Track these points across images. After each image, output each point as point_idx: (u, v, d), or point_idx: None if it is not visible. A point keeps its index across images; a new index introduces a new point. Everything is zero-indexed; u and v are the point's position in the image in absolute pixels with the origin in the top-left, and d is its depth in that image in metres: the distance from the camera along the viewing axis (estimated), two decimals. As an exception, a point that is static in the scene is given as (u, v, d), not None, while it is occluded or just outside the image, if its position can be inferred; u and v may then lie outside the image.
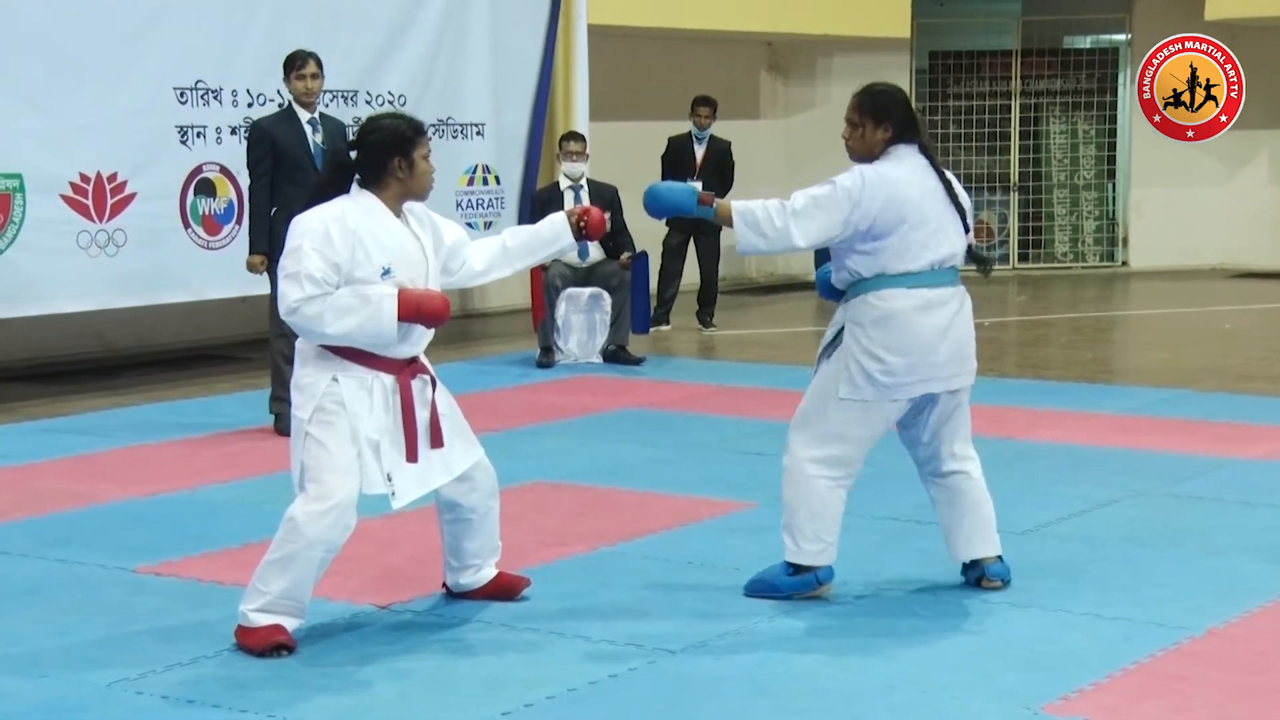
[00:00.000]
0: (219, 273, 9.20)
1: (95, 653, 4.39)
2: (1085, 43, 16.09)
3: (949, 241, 4.71)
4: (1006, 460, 6.92)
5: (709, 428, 7.60)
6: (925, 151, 4.75)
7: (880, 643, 4.47)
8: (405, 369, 4.45)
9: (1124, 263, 15.63)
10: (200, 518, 5.96)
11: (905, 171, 4.69)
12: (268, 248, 7.36)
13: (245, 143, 7.70)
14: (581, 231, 4.73)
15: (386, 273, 4.34)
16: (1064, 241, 15.80)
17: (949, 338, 4.71)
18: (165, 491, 6.39)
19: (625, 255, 9.91)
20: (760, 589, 4.84)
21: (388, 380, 4.41)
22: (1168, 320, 12.24)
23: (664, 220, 10.52)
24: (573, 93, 11.20)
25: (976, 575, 4.90)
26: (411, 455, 4.42)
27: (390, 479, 4.42)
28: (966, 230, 4.76)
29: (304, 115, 7.49)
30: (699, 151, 11.30)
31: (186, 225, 9.02)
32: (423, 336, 4.50)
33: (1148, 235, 15.48)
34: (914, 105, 4.77)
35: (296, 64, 7.49)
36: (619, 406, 8.34)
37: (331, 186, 4.47)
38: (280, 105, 9.37)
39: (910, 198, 4.65)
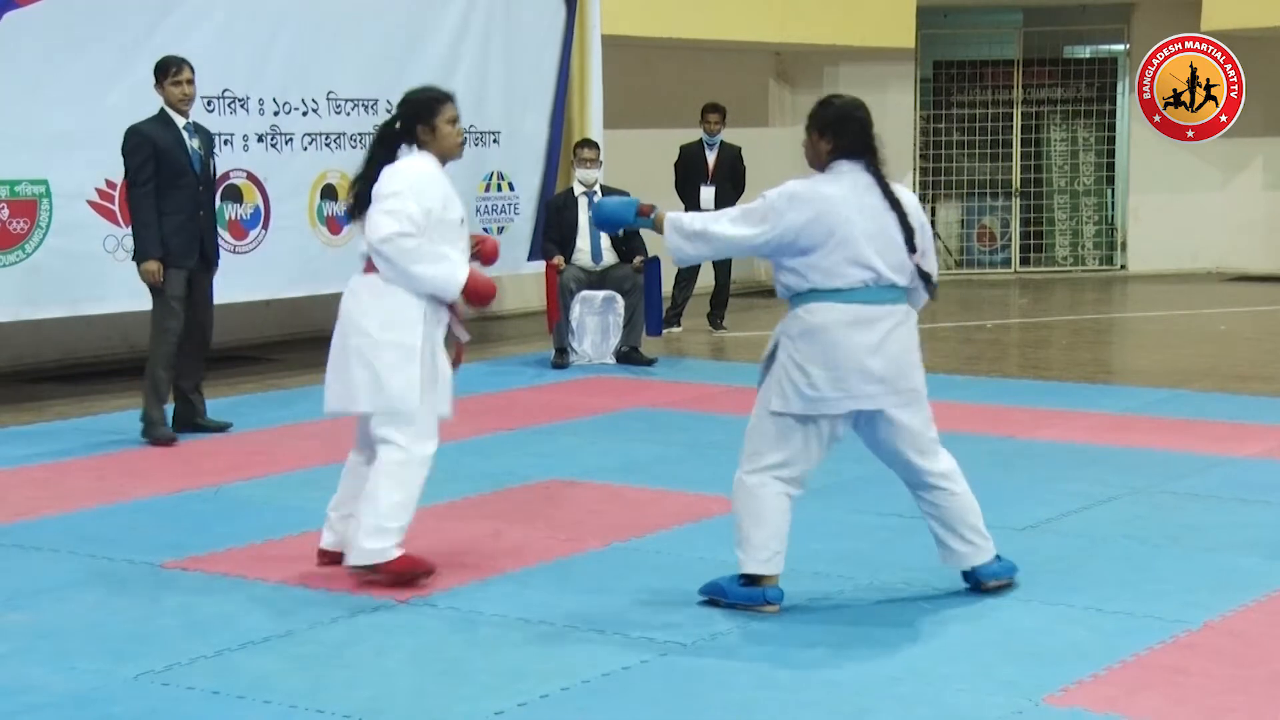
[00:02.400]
0: (245, 276, 9.21)
1: (123, 645, 4.39)
2: (1085, 52, 16.06)
3: (887, 260, 4.57)
4: (1008, 458, 6.91)
5: (719, 427, 7.58)
6: (873, 168, 4.62)
7: (886, 636, 4.46)
8: (453, 310, 4.95)
9: (1122, 266, 15.59)
10: (225, 514, 5.96)
11: (841, 188, 4.57)
12: (161, 253, 7.21)
13: (124, 148, 7.29)
14: (475, 255, 5.08)
15: (463, 220, 4.92)
16: (1064, 246, 15.77)
17: (881, 355, 4.54)
18: (191, 488, 6.39)
19: (638, 259, 9.91)
20: (711, 591, 4.72)
21: (445, 318, 4.93)
22: (1165, 322, 12.20)
23: None
24: (587, 101, 11.20)
25: (974, 582, 4.84)
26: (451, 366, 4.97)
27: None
28: (913, 250, 4.60)
29: (180, 121, 7.28)
30: (710, 157, 11.29)
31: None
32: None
33: (1146, 240, 15.45)
34: (869, 122, 4.64)
35: (172, 70, 7.27)
36: (632, 406, 8.34)
37: (378, 157, 4.95)
38: (304, 113, 9.43)
39: (840, 214, 4.52)
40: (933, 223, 15.64)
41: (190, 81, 7.32)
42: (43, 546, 5.48)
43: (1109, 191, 15.74)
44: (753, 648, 4.36)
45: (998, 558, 4.86)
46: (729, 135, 11.48)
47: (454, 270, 4.82)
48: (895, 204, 4.60)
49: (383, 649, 4.35)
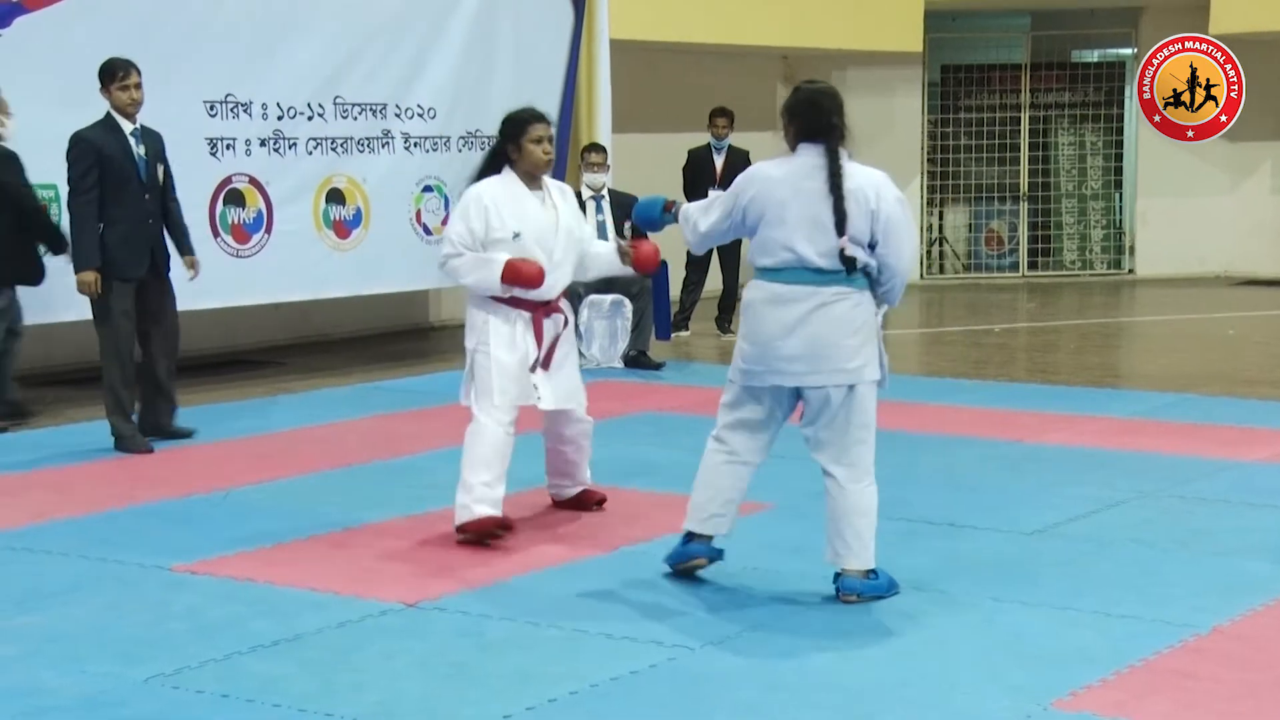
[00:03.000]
0: (249, 280, 9.23)
1: (133, 648, 4.40)
2: (1093, 57, 16.05)
3: (816, 243, 4.66)
4: (1017, 462, 6.91)
5: (727, 431, 7.57)
6: (831, 151, 4.70)
7: (894, 640, 4.46)
8: (540, 309, 5.51)
9: (1130, 270, 15.58)
10: (235, 518, 5.97)
11: (786, 170, 4.74)
12: (100, 263, 7.02)
13: (67, 155, 7.10)
14: (626, 259, 5.68)
15: (517, 235, 5.45)
16: (1072, 250, 15.75)
17: (797, 335, 4.67)
18: (200, 492, 6.40)
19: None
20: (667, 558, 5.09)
21: (526, 316, 5.49)
22: (1173, 326, 12.19)
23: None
24: (595, 105, 11.20)
25: (836, 586, 4.79)
26: (545, 368, 5.53)
27: (537, 388, 5.52)
28: (841, 233, 4.65)
29: (127, 127, 7.10)
30: (718, 161, 11.29)
31: (216, 234, 9.05)
32: (554, 287, 5.52)
33: (1153, 244, 15.43)
34: (840, 109, 4.74)
35: (119, 74, 7.05)
36: (640, 410, 8.34)
37: (487, 170, 5.60)
38: (309, 118, 9.45)
39: (775, 196, 4.71)
40: (940, 226, 15.81)
41: (138, 86, 7.11)
42: (52, 550, 5.49)
43: (1117, 195, 15.73)
44: (760, 651, 4.37)
45: (872, 574, 4.77)
46: (736, 139, 11.49)
47: (491, 270, 5.41)
48: (835, 187, 4.64)
49: (391, 653, 4.36)
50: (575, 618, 4.65)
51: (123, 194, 7.08)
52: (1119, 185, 15.67)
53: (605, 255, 5.72)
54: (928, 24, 14.59)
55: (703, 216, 4.94)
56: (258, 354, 10.54)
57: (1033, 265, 15.63)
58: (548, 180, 5.63)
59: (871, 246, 4.71)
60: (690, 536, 5.00)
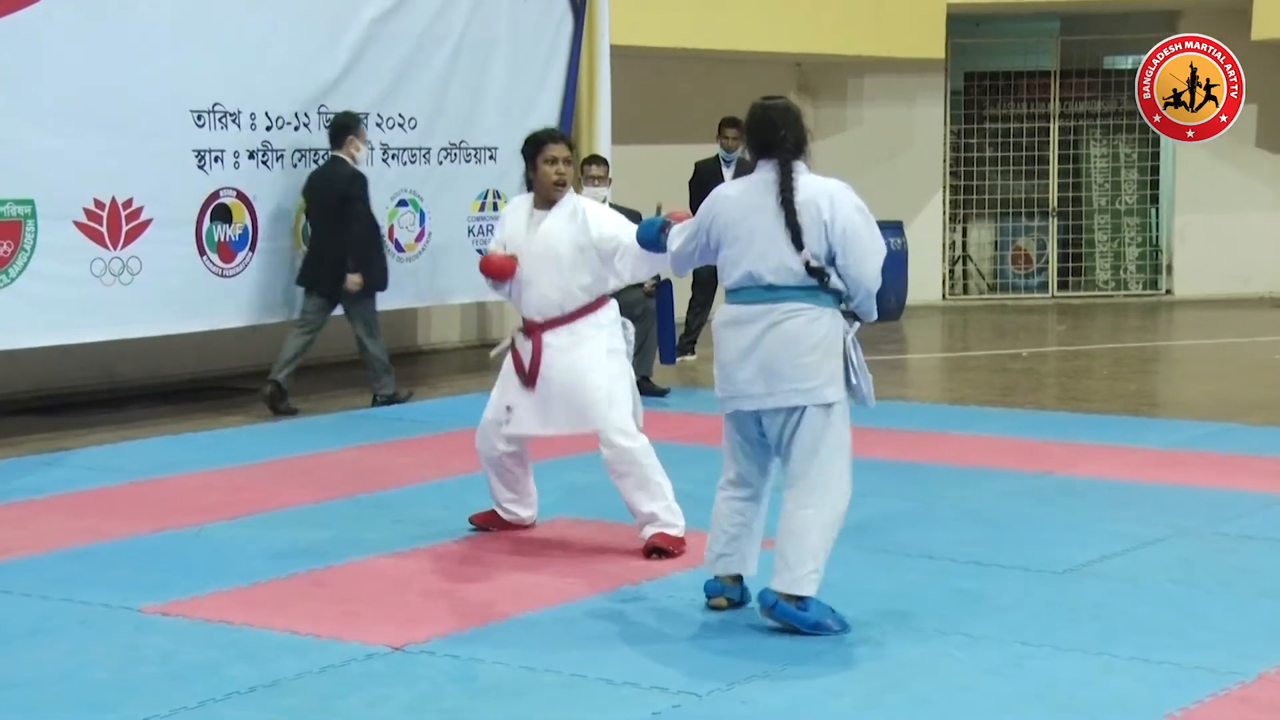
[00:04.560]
0: (233, 301, 9.24)
1: (99, 695, 4.38)
2: (1127, 63, 16.08)
3: (767, 259, 4.78)
4: (1047, 496, 6.88)
5: (736, 462, 7.55)
6: (781, 167, 4.80)
7: (915, 687, 4.43)
8: (533, 329, 5.90)
9: (1168, 291, 15.58)
10: (209, 555, 5.95)
11: (741, 188, 4.95)
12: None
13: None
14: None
15: (504, 246, 5.98)
16: (1105, 269, 15.76)
17: (752, 358, 4.81)
18: (173, 528, 6.38)
19: (649, 282, 9.89)
20: None
21: (521, 334, 5.95)
22: (1214, 351, 12.17)
23: None
24: (596, 115, 11.23)
25: (759, 599, 4.85)
26: (530, 386, 5.88)
27: (509, 410, 5.90)
28: (799, 247, 4.73)
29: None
30: (727, 174, 11.27)
31: (202, 252, 9.06)
32: (531, 303, 5.90)
33: (1192, 262, 15.43)
34: (793, 122, 4.87)
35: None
36: (643, 440, 8.31)
37: (527, 186, 6.04)
38: (295, 128, 9.48)
39: (729, 215, 4.90)
40: (964, 244, 15.82)
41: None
42: (13, 590, 5.47)
43: (1153, 211, 15.75)
44: (772, 697, 4.34)
45: (800, 602, 4.76)
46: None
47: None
48: (785, 201, 4.75)
49: (375, 700, 4.33)
50: (573, 661, 4.62)
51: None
52: (1155, 200, 15.68)
53: (635, 252, 5.83)
54: (950, 29, 14.62)
55: (676, 238, 5.15)
56: (235, 380, 10.54)
57: (1063, 285, 15.63)
58: (570, 199, 5.92)
59: (833, 260, 4.79)
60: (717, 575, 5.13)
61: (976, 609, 5.07)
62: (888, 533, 5.97)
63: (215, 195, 9.10)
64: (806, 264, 4.75)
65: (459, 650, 4.74)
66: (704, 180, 11.44)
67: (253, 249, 9.32)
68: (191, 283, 9.02)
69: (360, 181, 9.27)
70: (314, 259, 9.32)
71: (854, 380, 4.84)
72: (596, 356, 5.87)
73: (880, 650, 4.73)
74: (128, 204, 8.65)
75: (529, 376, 5.88)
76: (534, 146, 5.93)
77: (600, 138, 11.17)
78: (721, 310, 4.96)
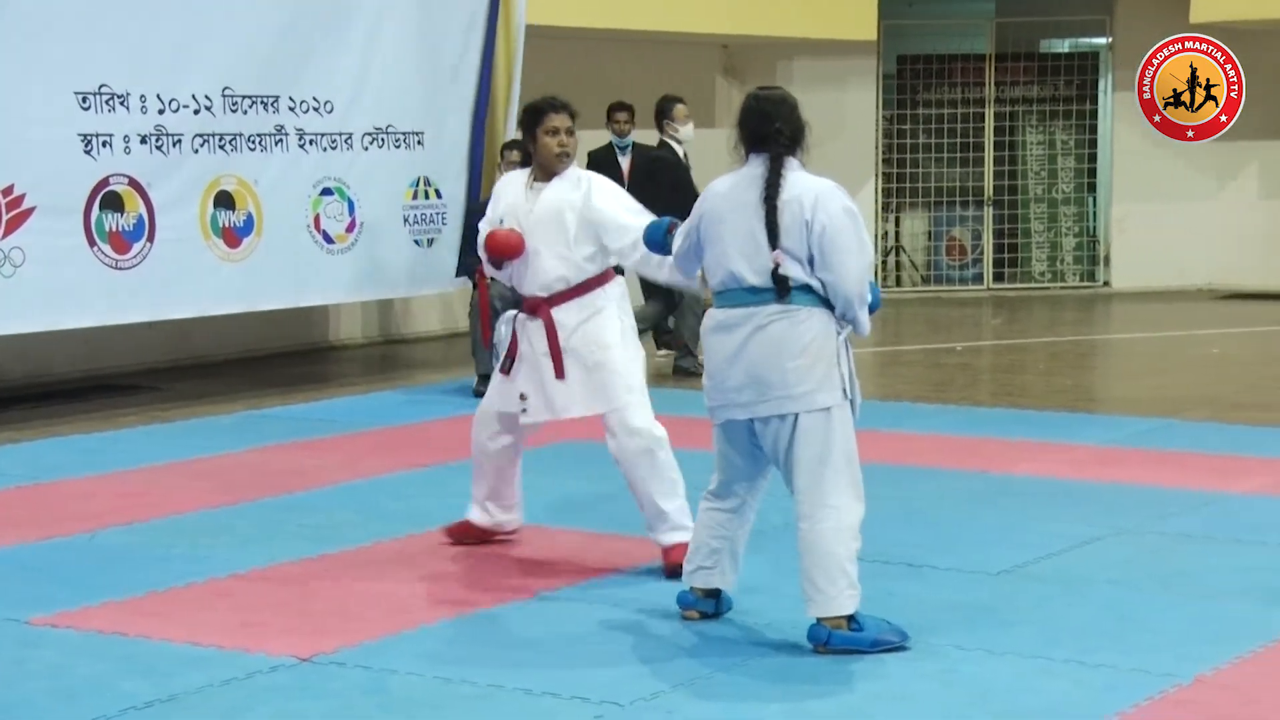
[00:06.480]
0: (128, 295, 9.11)
1: (-15, 712, 4.33)
2: (1064, 46, 16.28)
3: (752, 259, 4.74)
4: (981, 496, 6.96)
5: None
6: (771, 161, 4.77)
7: (845, 694, 4.47)
8: (538, 305, 5.71)
9: (1105, 283, 15.78)
10: (101, 564, 5.89)
11: (731, 184, 4.88)
12: None
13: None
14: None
15: (501, 221, 5.80)
16: (1041, 260, 15.94)
17: (739, 364, 4.77)
18: (62, 535, 6.31)
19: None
20: None
21: (523, 315, 5.76)
22: (1153, 345, 12.35)
23: None
24: (513, 100, 11.20)
25: (808, 636, 4.79)
26: (558, 374, 5.68)
27: (523, 398, 5.73)
28: (774, 247, 4.70)
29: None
30: (624, 163, 11.15)
31: (92, 243, 8.93)
32: (536, 278, 5.70)
33: (1131, 253, 15.64)
34: (788, 115, 4.82)
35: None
36: (564, 439, 8.31)
37: (525, 162, 6.20)
38: (195, 111, 9.37)
39: (715, 212, 4.86)
40: (896, 234, 15.95)
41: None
42: (-108, 601, 5.39)
43: (1090, 200, 15.94)
44: (695, 707, 4.36)
45: (853, 622, 4.72)
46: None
47: (480, 240, 5.84)
48: (769, 198, 4.72)
49: (282, 715, 4.31)
50: (490, 671, 4.62)
51: None
52: (1092, 188, 15.88)
53: (634, 239, 5.66)
54: (882, 10, 14.73)
55: (677, 239, 5.09)
56: (129, 378, 10.42)
57: (998, 277, 15.79)
58: (573, 173, 5.79)
59: (812, 263, 4.73)
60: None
61: (909, 612, 5.11)
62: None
63: (105, 182, 8.97)
64: (775, 267, 4.69)
65: (370, 661, 4.73)
66: (599, 170, 11.34)
67: (151, 239, 9.20)
68: (82, 275, 8.89)
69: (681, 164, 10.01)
70: None
71: (850, 386, 4.78)
72: (613, 331, 5.69)
73: (810, 657, 4.76)
74: (8, 191, 8.51)
75: (555, 364, 5.65)
76: (533, 116, 5.76)
77: (513, 121, 11.14)
78: (708, 315, 4.90)
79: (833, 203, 4.73)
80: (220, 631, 5.00)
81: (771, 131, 4.80)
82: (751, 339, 4.75)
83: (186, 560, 5.88)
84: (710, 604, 5.09)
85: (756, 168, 4.81)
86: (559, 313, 5.68)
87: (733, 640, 4.90)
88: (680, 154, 10.95)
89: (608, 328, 5.69)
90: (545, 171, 5.79)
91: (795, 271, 4.72)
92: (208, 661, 4.72)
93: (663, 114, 11.06)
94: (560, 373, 5.65)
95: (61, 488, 7.22)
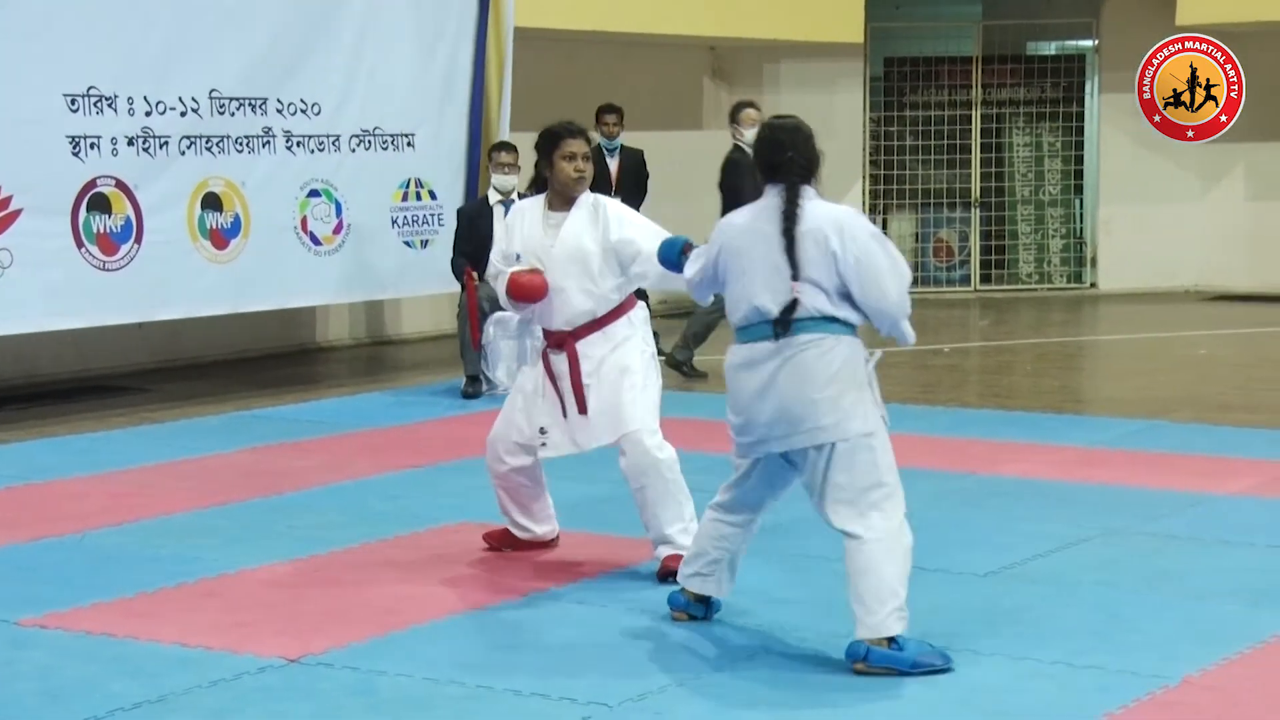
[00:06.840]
0: (116, 296, 9.10)
1: (-27, 714, 4.32)
2: (1050, 49, 16.30)
3: (776, 291, 4.70)
4: (968, 497, 6.97)
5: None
6: (788, 191, 4.73)
7: (833, 695, 4.47)
8: (564, 340, 5.63)
9: (1092, 284, 15.81)
10: (90, 564, 5.88)
11: (748, 216, 4.83)
12: None
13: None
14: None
15: (519, 257, 5.70)
16: (1028, 261, 15.97)
17: (769, 400, 4.71)
18: (51, 536, 6.30)
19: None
20: None
21: (550, 349, 5.68)
22: (1139, 346, 12.38)
23: None
24: (505, 101, 11.20)
25: (846, 653, 4.73)
26: (580, 410, 5.63)
27: (544, 432, 5.67)
28: (795, 278, 4.67)
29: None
30: (612, 165, 11.16)
31: (80, 245, 8.92)
32: (561, 313, 5.62)
33: (1117, 255, 15.67)
34: (802, 143, 4.78)
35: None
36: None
37: (536, 187, 6.01)
38: (182, 113, 9.36)
39: (738, 246, 4.80)
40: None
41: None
42: (-120, 603, 5.38)
43: (1077, 202, 15.97)
44: (683, 708, 4.36)
45: (894, 643, 4.64)
46: (660, 139, 11.52)
47: (500, 286, 5.71)
48: (787, 230, 4.69)
49: (270, 716, 4.30)
50: (479, 672, 4.62)
51: None
52: (1079, 190, 15.90)
53: (657, 268, 5.61)
54: (869, 13, 14.74)
55: (693, 264, 5.03)
56: (119, 379, 10.41)
57: (985, 278, 15.81)
58: (588, 197, 5.69)
59: (845, 293, 4.69)
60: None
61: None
62: (804, 537, 6.01)
63: (92, 184, 8.96)
64: (792, 302, 4.64)
65: (358, 662, 4.72)
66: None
67: (139, 241, 9.19)
68: (69, 277, 8.88)
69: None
70: None
71: (875, 412, 4.75)
72: (634, 356, 5.65)
73: (797, 659, 4.77)
74: (-5, 193, 8.52)
75: (579, 402, 5.60)
76: (551, 141, 5.67)
77: (507, 124, 11.15)
78: (732, 351, 4.82)
79: (859, 232, 4.71)
80: (209, 632, 5.00)
81: (785, 160, 4.76)
82: (780, 372, 4.69)
83: (176, 561, 5.88)
84: (701, 609, 5.09)
85: (773, 199, 4.76)
86: (585, 345, 5.63)
87: (722, 642, 4.91)
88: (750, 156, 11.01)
89: (632, 352, 5.65)
90: (562, 199, 5.71)
91: (820, 302, 4.68)
92: (196, 662, 4.72)
93: (733, 118, 11.03)
94: (583, 408, 5.61)
95: (51, 488, 7.21)
